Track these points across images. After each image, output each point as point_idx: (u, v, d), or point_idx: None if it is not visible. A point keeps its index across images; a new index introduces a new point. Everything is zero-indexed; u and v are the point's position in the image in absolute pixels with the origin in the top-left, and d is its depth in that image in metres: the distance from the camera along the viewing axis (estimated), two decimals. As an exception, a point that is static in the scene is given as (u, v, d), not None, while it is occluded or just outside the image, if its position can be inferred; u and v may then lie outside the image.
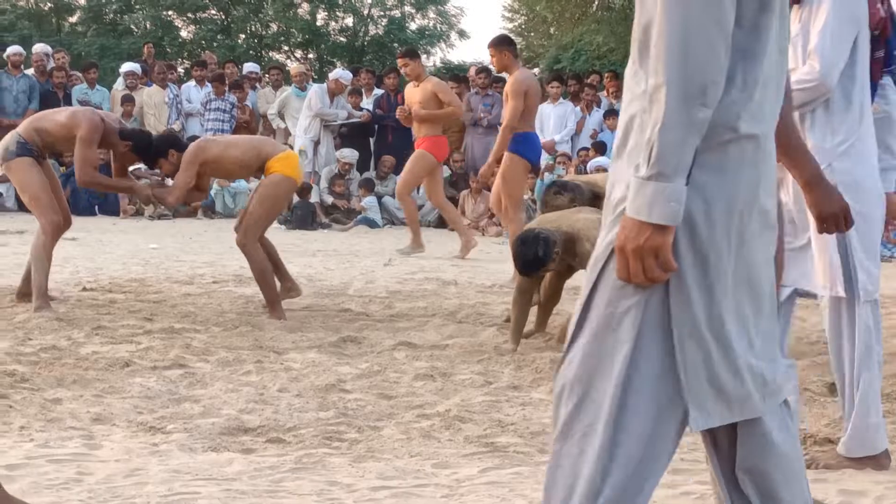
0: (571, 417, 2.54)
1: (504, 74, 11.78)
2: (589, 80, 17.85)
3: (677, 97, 2.35)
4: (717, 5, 2.36)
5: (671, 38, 2.36)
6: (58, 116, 8.23)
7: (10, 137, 8.11)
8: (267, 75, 19.66)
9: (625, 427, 2.48)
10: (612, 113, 16.46)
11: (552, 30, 21.77)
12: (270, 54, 32.03)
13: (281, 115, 18.06)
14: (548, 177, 15.38)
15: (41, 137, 7.99)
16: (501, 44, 10.60)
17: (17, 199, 16.36)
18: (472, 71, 18.40)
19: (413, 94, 12.19)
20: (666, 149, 2.36)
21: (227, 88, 17.62)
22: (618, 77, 17.90)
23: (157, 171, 8.76)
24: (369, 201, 16.46)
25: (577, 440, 2.53)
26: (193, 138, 7.78)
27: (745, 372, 2.52)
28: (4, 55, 18.00)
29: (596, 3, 20.10)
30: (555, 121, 16.59)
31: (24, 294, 8.02)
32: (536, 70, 25.62)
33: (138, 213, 16.47)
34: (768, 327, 2.61)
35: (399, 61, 12.68)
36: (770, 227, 2.60)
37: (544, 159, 16.06)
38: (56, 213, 7.94)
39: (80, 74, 18.03)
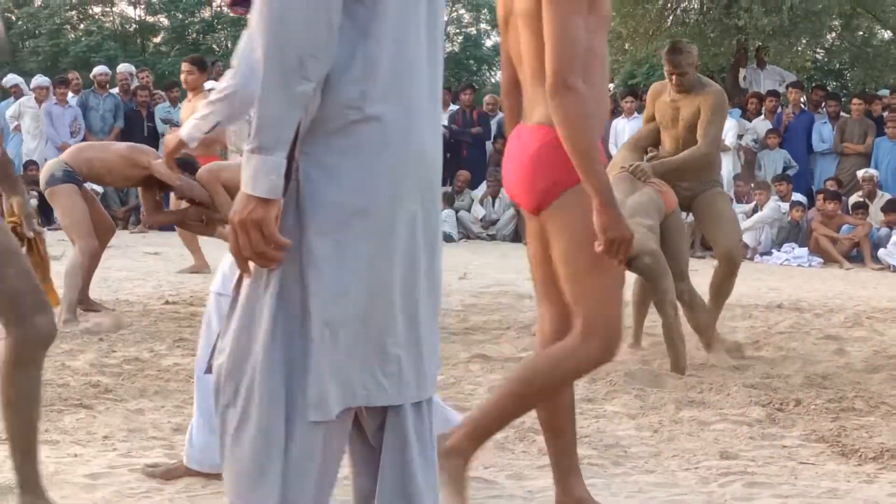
0: (227, 409, 2.50)
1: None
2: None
3: (275, 70, 2.30)
4: None
5: (270, 13, 2.31)
6: (113, 151, 8.41)
7: (55, 164, 8.27)
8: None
9: (271, 415, 2.45)
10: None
11: (627, 45, 21.64)
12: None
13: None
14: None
15: (90, 168, 8.16)
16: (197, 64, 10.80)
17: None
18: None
19: None
20: (265, 122, 2.32)
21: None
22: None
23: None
24: (446, 215, 16.48)
25: (235, 432, 2.49)
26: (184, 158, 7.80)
27: (384, 359, 2.48)
28: (91, 75, 18.25)
29: (670, 19, 19.96)
30: (629, 134, 16.52)
31: (88, 307, 8.25)
32: (612, 85, 25.53)
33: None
34: (423, 319, 2.55)
35: None
36: (421, 214, 2.52)
37: (619, 173, 16.02)
38: (93, 238, 8.14)
39: (163, 93, 18.21)
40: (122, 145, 9.01)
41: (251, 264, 2.45)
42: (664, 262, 6.55)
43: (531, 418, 5.35)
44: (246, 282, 2.48)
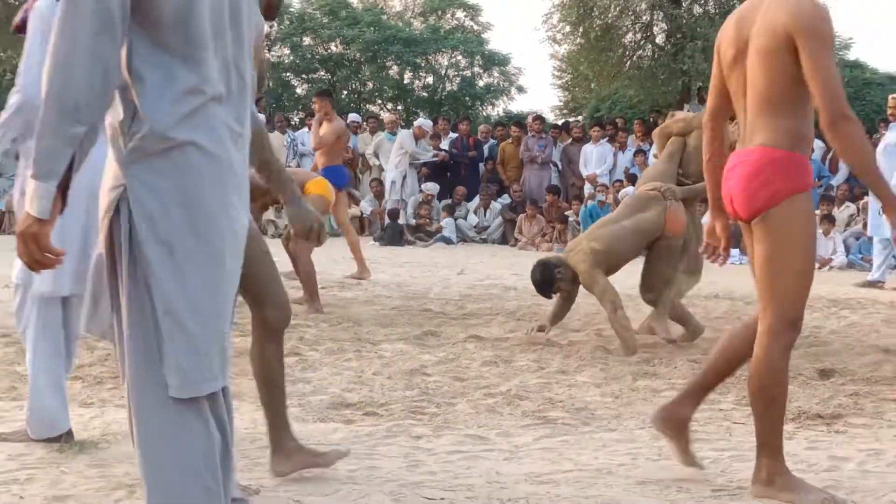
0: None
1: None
2: (622, 126, 17.75)
3: (53, 111, 2.20)
4: (103, 38, 2.19)
5: (56, 57, 2.20)
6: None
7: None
8: (365, 123, 19.72)
9: (144, 403, 2.36)
10: (640, 152, 16.33)
11: (593, 85, 21.66)
12: (367, 107, 32.13)
13: (376, 155, 18.13)
14: (591, 203, 15.29)
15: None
16: (323, 94, 10.47)
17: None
18: (529, 119, 18.36)
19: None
20: (40, 155, 2.22)
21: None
22: (645, 123, 17.76)
23: None
24: (447, 222, 16.46)
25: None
26: None
27: (219, 346, 2.38)
28: None
29: (628, 63, 19.94)
30: (596, 158, 16.51)
31: None
32: (580, 117, 25.51)
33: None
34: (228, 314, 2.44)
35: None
36: (236, 220, 2.41)
37: (588, 189, 16.00)
38: None
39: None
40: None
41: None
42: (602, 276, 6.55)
43: (516, 387, 5.36)
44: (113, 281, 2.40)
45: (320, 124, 10.27)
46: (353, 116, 20.37)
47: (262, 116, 17.16)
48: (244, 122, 2.46)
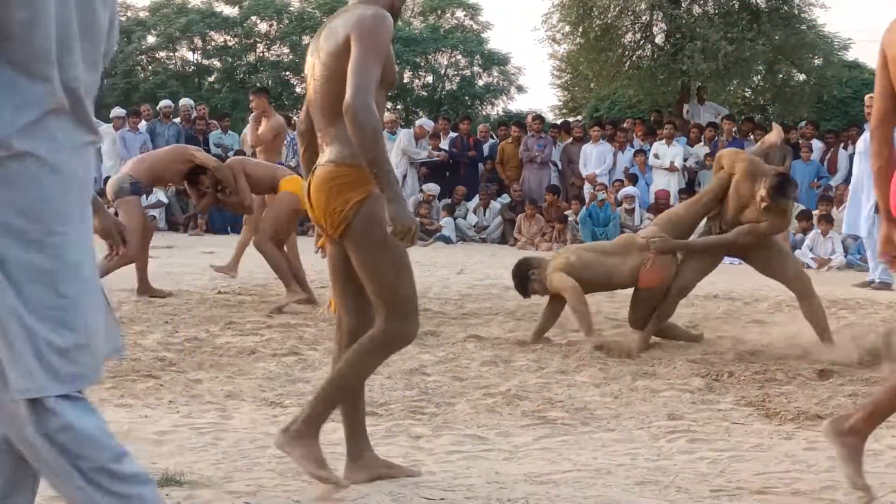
0: None
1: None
2: (622, 126, 17.74)
3: None
4: None
5: None
6: (162, 153, 8.39)
7: (122, 177, 8.14)
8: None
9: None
10: (640, 152, 16.33)
11: (592, 85, 21.64)
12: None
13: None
14: (592, 204, 15.28)
15: (151, 173, 8.11)
16: (260, 92, 10.31)
17: (168, 218, 16.56)
18: (528, 118, 18.34)
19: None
20: None
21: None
22: (644, 123, 17.76)
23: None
24: (446, 221, 16.44)
25: None
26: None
27: (67, 350, 2.24)
28: (158, 107, 18.25)
29: (627, 63, 19.92)
30: (595, 158, 16.49)
31: (153, 294, 8.38)
32: (580, 117, 25.52)
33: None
34: (91, 316, 2.32)
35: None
36: (80, 227, 2.31)
37: (587, 189, 15.99)
38: (142, 250, 8.17)
39: (216, 122, 18.22)
40: (167, 148, 8.97)
41: None
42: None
43: (516, 387, 5.36)
44: None
45: (258, 122, 10.15)
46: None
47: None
48: (91, 131, 2.38)
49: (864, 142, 10.20)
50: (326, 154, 3.58)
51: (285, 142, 14.37)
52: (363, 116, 3.32)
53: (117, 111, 17.90)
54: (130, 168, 8.29)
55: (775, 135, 7.37)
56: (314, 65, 3.60)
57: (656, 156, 16.11)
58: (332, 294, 3.80)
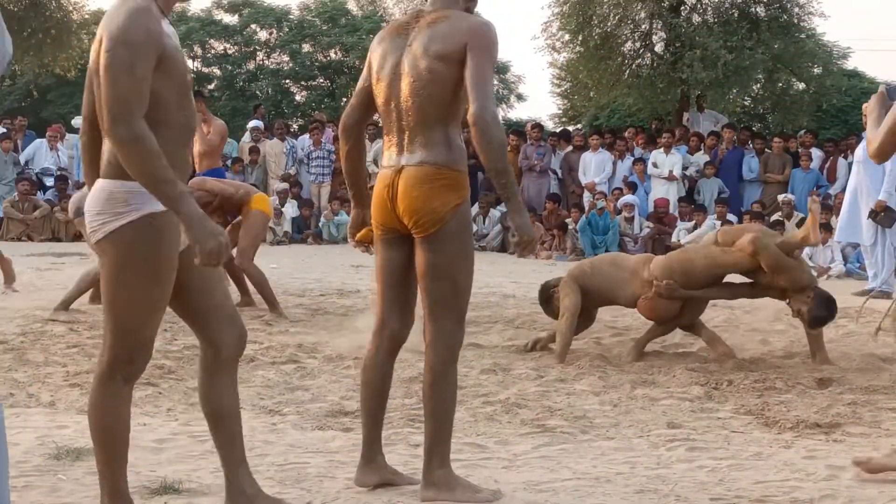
0: None
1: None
2: (622, 134, 17.76)
3: None
4: None
5: None
6: None
7: (83, 195, 7.98)
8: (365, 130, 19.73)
9: None
10: (640, 161, 16.34)
11: (592, 93, 21.61)
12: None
13: (375, 162, 18.11)
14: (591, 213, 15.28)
15: None
16: (197, 95, 9.98)
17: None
18: (528, 127, 18.35)
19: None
20: None
21: (323, 140, 17.60)
22: (644, 132, 17.76)
23: None
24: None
25: None
26: None
27: None
28: None
29: (627, 72, 19.93)
30: (595, 166, 16.49)
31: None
32: (579, 125, 25.53)
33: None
34: None
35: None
36: None
37: (587, 198, 15.99)
38: None
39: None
40: None
41: None
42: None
43: (515, 395, 5.35)
44: None
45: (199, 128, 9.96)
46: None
47: (259, 123, 17.00)
48: None
49: (862, 150, 10.19)
50: (418, 155, 3.62)
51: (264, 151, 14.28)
52: (494, 128, 3.45)
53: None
54: None
55: (811, 236, 6.55)
56: (402, 62, 3.60)
57: (655, 164, 16.12)
58: (378, 297, 3.78)
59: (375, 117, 3.92)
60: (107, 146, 3.07)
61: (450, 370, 3.69)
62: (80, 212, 7.98)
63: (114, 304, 3.08)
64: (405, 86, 3.61)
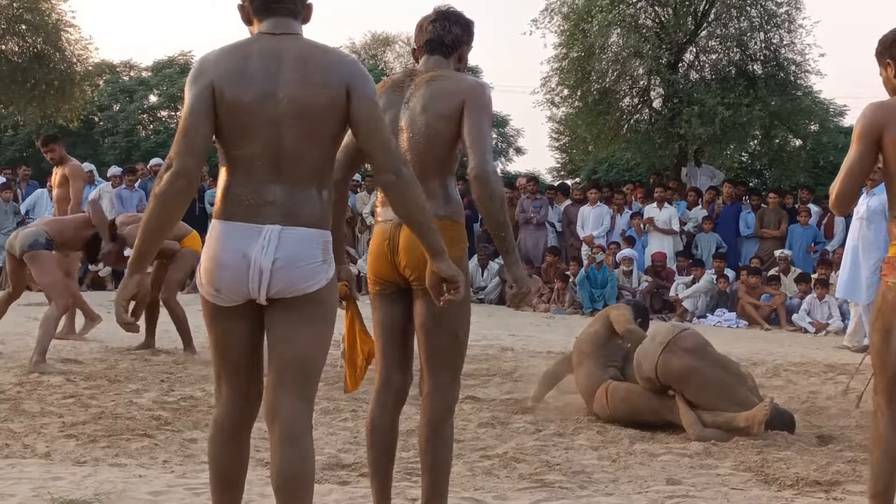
0: None
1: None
2: (620, 188, 17.82)
3: None
4: None
5: None
6: (74, 222, 8.27)
7: (35, 231, 7.95)
8: (364, 181, 19.80)
9: None
10: (637, 215, 16.38)
11: (590, 147, 21.72)
12: (367, 166, 32.37)
13: (373, 214, 18.17)
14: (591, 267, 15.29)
15: (62, 237, 7.99)
16: (53, 140, 9.70)
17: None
18: (519, 180, 18.41)
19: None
20: None
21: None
22: (643, 185, 17.81)
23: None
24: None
25: None
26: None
27: None
28: (149, 165, 18.57)
29: (625, 127, 20.06)
30: (593, 219, 16.52)
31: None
32: (578, 179, 25.63)
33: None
34: None
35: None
36: None
37: (585, 251, 16.01)
38: (68, 297, 8.13)
39: (213, 180, 18.40)
40: (74, 216, 8.67)
41: None
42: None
43: (513, 449, 5.31)
44: None
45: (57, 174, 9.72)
46: (355, 176, 20.45)
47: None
48: None
49: (865, 206, 10.20)
50: None
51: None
52: (494, 183, 3.53)
53: (114, 170, 18.10)
54: (48, 226, 8.08)
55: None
56: (399, 119, 3.68)
57: (651, 219, 16.17)
58: (379, 355, 3.78)
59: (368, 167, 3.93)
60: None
61: (447, 423, 3.69)
62: (36, 245, 7.89)
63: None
64: (403, 141, 3.65)
